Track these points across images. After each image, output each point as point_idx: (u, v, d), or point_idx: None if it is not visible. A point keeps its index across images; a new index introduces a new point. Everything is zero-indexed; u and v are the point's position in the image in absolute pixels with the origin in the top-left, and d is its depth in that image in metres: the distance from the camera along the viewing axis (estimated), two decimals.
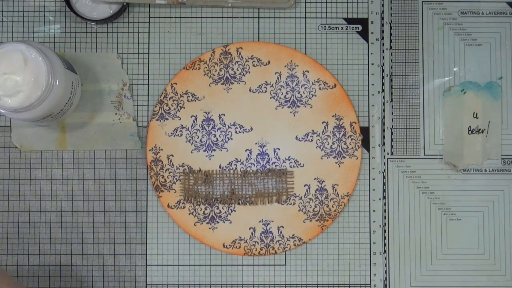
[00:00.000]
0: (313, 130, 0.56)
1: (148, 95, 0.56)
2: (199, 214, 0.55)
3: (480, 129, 0.56)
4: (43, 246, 0.55)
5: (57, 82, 0.49)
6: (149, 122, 0.56)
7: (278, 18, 0.57)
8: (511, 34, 0.57)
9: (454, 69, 0.57)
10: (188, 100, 0.56)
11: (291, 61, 0.56)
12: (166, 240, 0.55)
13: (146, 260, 0.55)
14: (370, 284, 0.56)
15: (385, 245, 0.56)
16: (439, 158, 0.56)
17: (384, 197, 0.56)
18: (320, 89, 0.56)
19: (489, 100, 0.56)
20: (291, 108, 0.56)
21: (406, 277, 0.56)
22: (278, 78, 0.56)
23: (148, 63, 0.56)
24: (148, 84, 0.56)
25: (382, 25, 0.57)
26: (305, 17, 0.57)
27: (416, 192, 0.56)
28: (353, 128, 0.56)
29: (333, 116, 0.56)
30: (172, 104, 0.56)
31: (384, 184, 0.56)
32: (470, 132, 0.56)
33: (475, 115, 0.56)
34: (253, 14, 0.57)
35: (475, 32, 0.57)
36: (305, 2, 0.57)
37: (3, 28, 0.56)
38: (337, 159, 0.56)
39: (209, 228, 0.55)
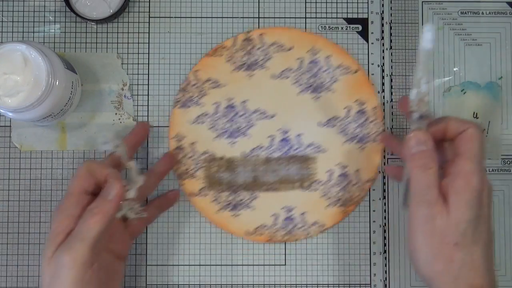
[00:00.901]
0: (335, 116, 0.56)
1: (148, 95, 0.56)
2: (222, 201, 0.55)
3: None
4: (43, 246, 0.55)
5: (57, 82, 0.49)
6: (171, 110, 0.56)
7: (278, 18, 0.57)
8: (511, 34, 0.57)
9: (454, 69, 0.57)
10: (210, 87, 0.56)
11: (313, 46, 0.56)
12: (166, 240, 0.55)
13: (146, 260, 0.55)
14: (370, 284, 0.56)
15: (385, 245, 0.56)
16: None
17: (384, 197, 0.56)
18: (342, 74, 0.56)
19: (489, 100, 0.56)
20: (313, 93, 0.56)
21: (406, 277, 0.56)
22: (300, 64, 0.56)
23: (148, 63, 0.56)
24: (148, 84, 0.56)
25: (382, 25, 0.57)
26: (305, 17, 0.57)
27: None
28: (376, 113, 0.55)
29: (355, 101, 0.56)
30: (195, 91, 0.56)
31: (384, 184, 0.56)
32: None
33: (475, 115, 0.56)
34: (253, 14, 0.57)
35: (475, 32, 0.57)
36: (305, 2, 0.57)
37: (3, 28, 0.56)
38: (359, 144, 0.55)
39: (232, 215, 0.55)
